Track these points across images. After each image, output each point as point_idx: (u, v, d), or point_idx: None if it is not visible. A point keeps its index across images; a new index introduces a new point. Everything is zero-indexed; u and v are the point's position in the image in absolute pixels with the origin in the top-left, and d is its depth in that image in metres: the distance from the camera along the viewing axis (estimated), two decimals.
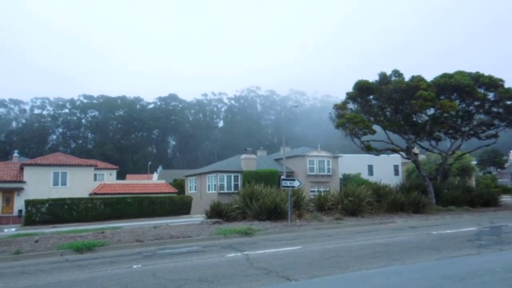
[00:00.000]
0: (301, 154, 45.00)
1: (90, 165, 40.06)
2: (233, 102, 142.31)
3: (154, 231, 14.93)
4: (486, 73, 25.40)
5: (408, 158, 27.42)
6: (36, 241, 12.97)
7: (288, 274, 7.71)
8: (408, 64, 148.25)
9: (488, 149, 48.28)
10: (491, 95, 25.62)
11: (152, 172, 73.26)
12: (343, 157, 48.69)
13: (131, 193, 36.22)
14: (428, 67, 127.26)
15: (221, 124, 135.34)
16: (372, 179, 37.76)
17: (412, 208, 21.21)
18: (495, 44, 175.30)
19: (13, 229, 24.37)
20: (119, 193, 35.97)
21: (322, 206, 20.64)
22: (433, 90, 23.32)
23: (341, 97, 39.59)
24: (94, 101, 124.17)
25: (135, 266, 9.15)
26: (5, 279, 8.32)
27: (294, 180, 17.20)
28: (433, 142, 28.69)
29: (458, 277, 6.93)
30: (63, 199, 29.87)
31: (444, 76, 24.70)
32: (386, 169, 51.98)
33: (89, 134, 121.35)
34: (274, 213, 17.68)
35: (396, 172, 53.96)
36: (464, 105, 26.35)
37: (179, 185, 49.13)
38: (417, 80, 23.92)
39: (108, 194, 35.71)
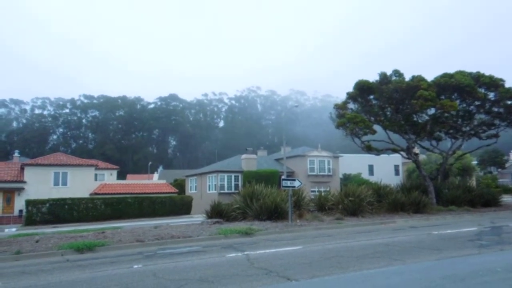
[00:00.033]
0: (302, 154, 45.00)
1: (91, 165, 40.08)
2: (233, 102, 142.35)
3: (154, 231, 14.94)
4: (487, 73, 25.44)
5: (408, 158, 27.41)
6: (37, 241, 12.98)
7: (289, 274, 7.71)
8: (408, 64, 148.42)
9: (489, 149, 48.24)
10: (491, 95, 25.62)
11: (152, 172, 73.29)
12: (344, 157, 48.67)
13: (131, 193, 36.25)
14: (428, 67, 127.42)
15: (221, 124, 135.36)
16: (372, 179, 37.75)
17: (413, 208, 21.21)
18: (496, 44, 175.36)
19: (14, 229, 24.38)
20: (120, 193, 35.98)
21: (323, 206, 20.63)
22: (433, 90, 23.31)
23: (341, 97, 39.55)
24: (95, 101, 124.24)
25: (135, 266, 9.16)
26: (5, 279, 8.32)
27: (294, 180, 17.20)
28: (434, 142, 28.68)
29: (459, 277, 6.92)
30: (64, 199, 29.90)
31: (445, 76, 24.70)
32: (386, 169, 51.96)
33: (90, 134, 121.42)
34: (274, 213, 17.68)
35: (397, 172, 53.93)
36: (464, 105, 26.34)
37: (180, 185, 49.16)
38: (418, 80, 23.92)
39: (108, 194, 35.73)
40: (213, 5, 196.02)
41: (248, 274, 7.86)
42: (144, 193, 36.77)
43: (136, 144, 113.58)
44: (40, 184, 35.81)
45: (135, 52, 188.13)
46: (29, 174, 36.47)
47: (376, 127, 25.97)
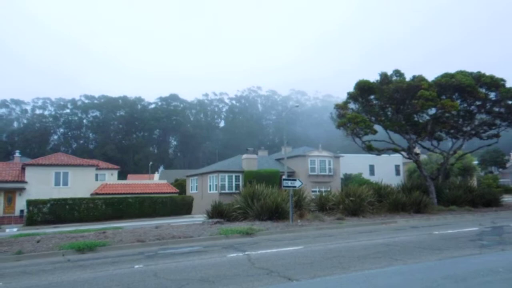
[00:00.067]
0: (302, 154, 45.01)
1: (92, 165, 40.13)
2: (234, 102, 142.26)
3: (155, 231, 14.95)
4: (488, 73, 25.41)
5: (409, 158, 27.39)
6: (38, 241, 12.99)
7: (290, 274, 7.71)
8: (409, 64, 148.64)
9: (490, 149, 48.19)
10: (492, 95, 25.58)
11: (153, 172, 73.42)
12: (344, 157, 48.67)
13: (132, 193, 36.30)
14: (428, 67, 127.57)
15: (222, 124, 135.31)
16: (373, 179, 37.75)
17: (414, 208, 21.20)
18: (496, 43, 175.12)
19: (15, 229, 24.42)
20: (121, 193, 36.04)
21: (324, 206, 20.64)
22: (434, 90, 23.31)
23: (342, 97, 39.62)
24: (95, 101, 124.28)
25: (136, 266, 9.16)
26: (7, 279, 8.33)
27: (295, 180, 17.20)
28: (435, 142, 28.64)
29: (460, 277, 6.92)
30: (65, 199, 29.95)
31: (446, 76, 24.69)
32: (387, 169, 51.95)
33: (91, 134, 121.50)
34: (275, 213, 17.68)
35: (398, 172, 53.92)
36: (465, 105, 26.30)
37: (181, 185, 49.22)
38: (419, 80, 23.91)
39: (109, 194, 35.77)
40: (213, 5, 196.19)
41: (249, 274, 7.86)
42: (145, 193, 36.81)
43: (137, 144, 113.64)
44: (41, 184, 35.87)
45: (136, 52, 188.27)
46: (30, 174, 36.53)
47: (377, 127, 25.96)
